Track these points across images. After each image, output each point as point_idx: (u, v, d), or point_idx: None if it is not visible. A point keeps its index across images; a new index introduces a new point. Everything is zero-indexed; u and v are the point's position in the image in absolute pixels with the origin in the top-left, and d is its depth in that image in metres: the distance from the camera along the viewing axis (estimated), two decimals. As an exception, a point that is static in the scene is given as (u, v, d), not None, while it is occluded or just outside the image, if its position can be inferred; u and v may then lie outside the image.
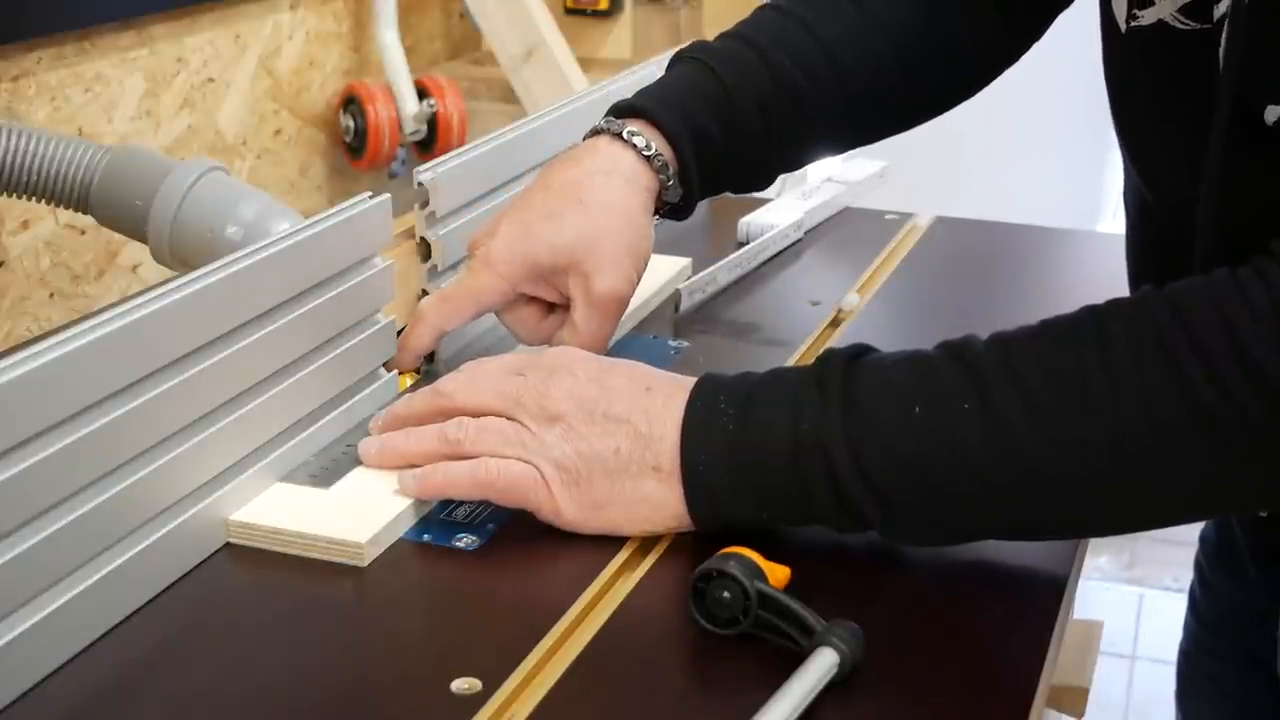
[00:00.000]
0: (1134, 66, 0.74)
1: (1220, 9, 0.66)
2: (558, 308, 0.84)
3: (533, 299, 0.83)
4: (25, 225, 1.20)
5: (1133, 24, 0.72)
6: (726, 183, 0.91)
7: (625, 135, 0.84)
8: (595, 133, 0.85)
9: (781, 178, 0.95)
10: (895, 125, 0.95)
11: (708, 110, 0.86)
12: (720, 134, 0.86)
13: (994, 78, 0.94)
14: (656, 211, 0.87)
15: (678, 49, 0.91)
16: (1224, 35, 0.65)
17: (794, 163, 0.93)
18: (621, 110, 0.86)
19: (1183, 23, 0.69)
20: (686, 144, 0.85)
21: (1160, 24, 0.70)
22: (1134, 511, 0.64)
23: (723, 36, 0.90)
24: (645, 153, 0.84)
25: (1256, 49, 0.63)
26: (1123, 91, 0.77)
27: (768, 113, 0.87)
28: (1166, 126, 0.73)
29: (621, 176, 0.83)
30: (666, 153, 0.85)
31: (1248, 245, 0.61)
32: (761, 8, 0.91)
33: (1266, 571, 0.87)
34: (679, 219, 0.90)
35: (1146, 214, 0.80)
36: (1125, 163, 0.80)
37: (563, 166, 0.84)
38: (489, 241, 0.82)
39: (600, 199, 0.81)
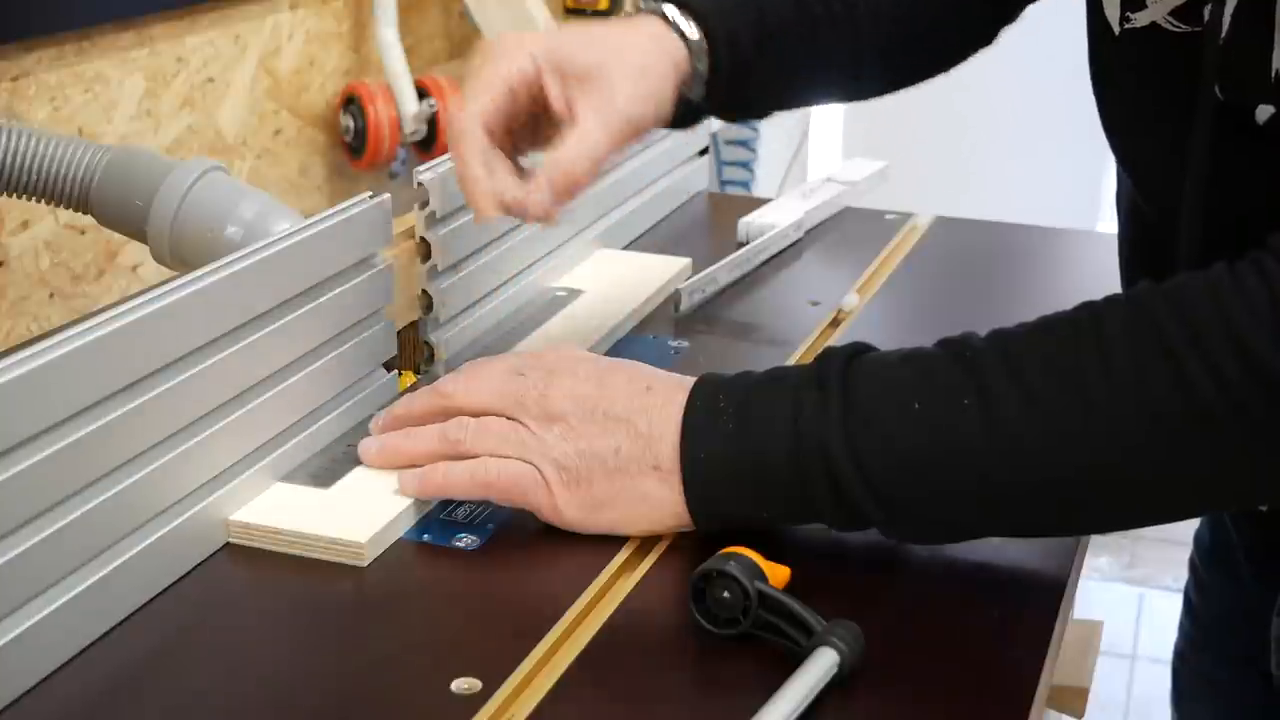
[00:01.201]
0: (1125, 69, 0.75)
1: (1209, 10, 0.66)
2: (528, 173, 0.79)
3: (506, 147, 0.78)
4: (25, 225, 1.20)
5: (1126, 26, 0.72)
6: (736, 100, 0.87)
7: (670, 17, 0.81)
8: (644, 12, 0.83)
9: (782, 177, 0.95)
10: (888, 84, 0.94)
11: (744, 22, 0.83)
12: (751, 48, 0.84)
13: (978, 49, 0.94)
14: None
15: None
16: (1206, 36, 0.65)
17: (790, 99, 0.92)
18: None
19: (1174, 25, 0.69)
20: (723, 47, 0.82)
21: (1153, 26, 0.70)
22: (1133, 507, 0.64)
23: None
24: (689, 37, 0.81)
25: (1244, 49, 0.63)
26: (1113, 93, 0.77)
27: (787, 39, 0.85)
28: (1157, 127, 0.73)
29: (657, 43, 0.80)
30: (704, 47, 0.82)
31: (1229, 245, 0.61)
32: None
33: (1261, 571, 0.87)
34: (681, 126, 0.87)
35: (1137, 215, 0.80)
36: (1117, 164, 0.80)
37: (603, 23, 0.81)
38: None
39: (633, 43, 0.79)
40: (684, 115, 0.85)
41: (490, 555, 0.69)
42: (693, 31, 0.81)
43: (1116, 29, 0.72)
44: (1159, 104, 0.73)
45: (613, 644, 0.63)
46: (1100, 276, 0.90)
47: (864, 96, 0.95)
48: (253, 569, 0.68)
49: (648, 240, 1.13)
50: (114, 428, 0.62)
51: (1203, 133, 0.67)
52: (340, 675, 0.60)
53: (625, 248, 1.10)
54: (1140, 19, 0.71)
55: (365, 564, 0.67)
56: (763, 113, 0.92)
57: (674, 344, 0.92)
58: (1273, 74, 0.63)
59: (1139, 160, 0.77)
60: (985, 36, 0.93)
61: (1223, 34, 0.65)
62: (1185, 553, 1.00)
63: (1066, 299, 0.66)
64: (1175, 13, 0.69)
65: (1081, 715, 0.93)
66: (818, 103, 0.94)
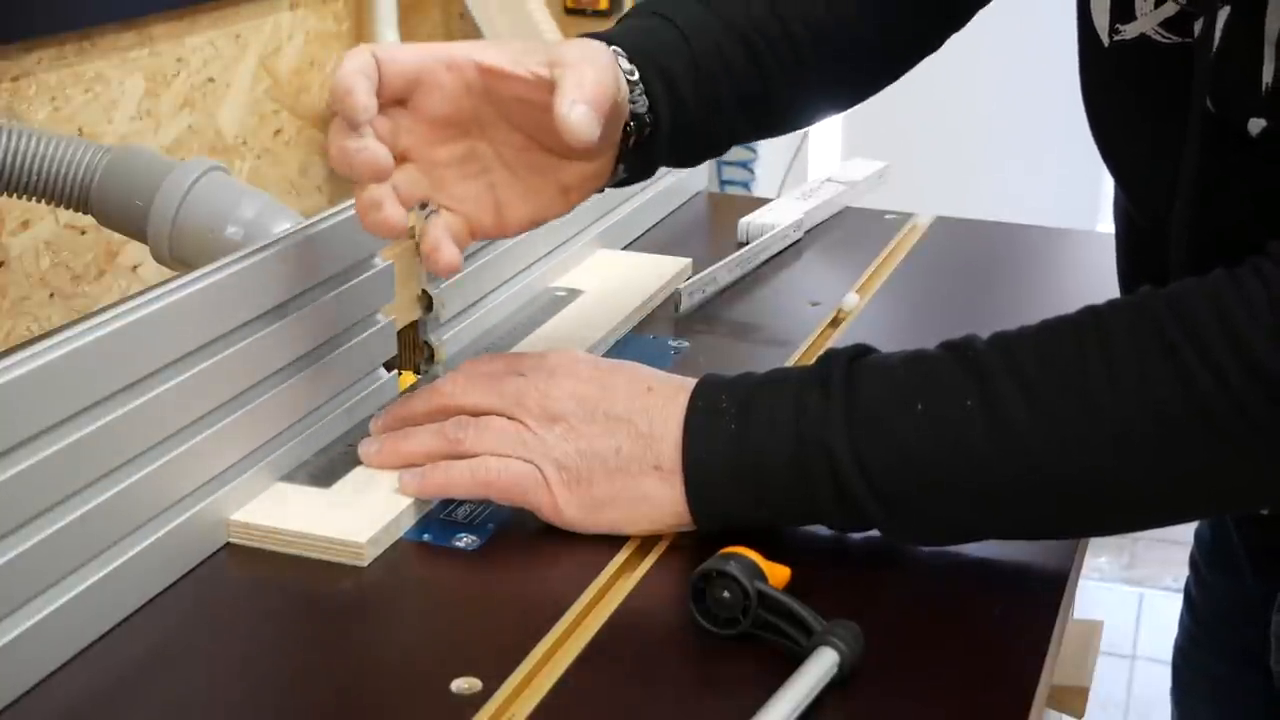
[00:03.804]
0: (1115, 80, 0.75)
1: (1200, 24, 0.66)
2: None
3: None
4: (25, 225, 1.20)
5: (1116, 38, 0.72)
6: (681, 137, 0.79)
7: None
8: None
9: (782, 177, 0.94)
10: (832, 105, 0.90)
11: (678, 61, 0.77)
12: (688, 85, 0.78)
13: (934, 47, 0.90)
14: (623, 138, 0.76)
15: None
16: (1197, 49, 0.66)
17: (743, 131, 0.85)
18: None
19: (1165, 37, 0.69)
20: (658, 82, 0.76)
21: (1142, 38, 0.70)
22: (1135, 509, 0.64)
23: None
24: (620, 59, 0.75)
25: (1235, 63, 0.64)
26: (1103, 105, 0.77)
27: (725, 73, 0.80)
28: (1147, 137, 0.73)
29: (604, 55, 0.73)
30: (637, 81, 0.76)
31: (1218, 253, 0.62)
32: None
33: (1261, 568, 0.87)
34: (633, 175, 0.79)
35: (1131, 224, 0.80)
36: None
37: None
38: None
39: (583, 53, 0.71)
40: (635, 152, 0.77)
41: (490, 555, 0.69)
42: (625, 64, 0.75)
43: (1106, 40, 0.73)
44: (1149, 115, 0.73)
45: (613, 644, 0.63)
46: (1100, 276, 0.90)
47: (815, 120, 0.90)
48: (253, 569, 0.68)
49: (648, 240, 1.13)
50: (114, 428, 0.62)
51: (1193, 144, 0.67)
52: (340, 675, 0.60)
53: (625, 248, 1.10)
54: (1130, 31, 0.71)
55: (365, 564, 0.67)
56: (711, 150, 0.85)
57: (674, 344, 0.92)
58: (1263, 88, 0.63)
59: (1129, 170, 0.77)
60: (933, 44, 0.89)
61: (1214, 48, 0.65)
62: (1185, 553, 1.00)
63: (1066, 299, 0.66)
64: (1165, 24, 0.69)
65: (1081, 715, 0.93)
66: (772, 134, 0.88)
